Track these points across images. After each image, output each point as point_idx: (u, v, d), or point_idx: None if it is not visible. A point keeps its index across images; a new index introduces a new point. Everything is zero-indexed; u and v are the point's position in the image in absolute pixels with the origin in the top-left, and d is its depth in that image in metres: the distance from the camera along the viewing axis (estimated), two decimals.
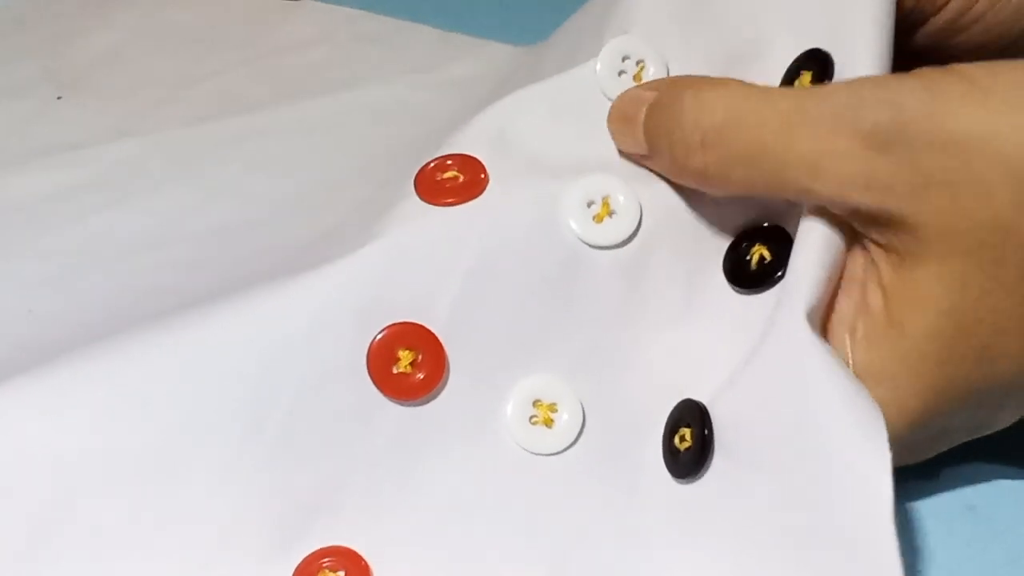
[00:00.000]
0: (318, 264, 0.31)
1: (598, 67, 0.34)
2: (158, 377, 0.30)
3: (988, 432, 0.30)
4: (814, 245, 0.28)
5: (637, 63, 0.34)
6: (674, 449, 0.30)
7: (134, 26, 0.51)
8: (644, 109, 0.31)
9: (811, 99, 0.27)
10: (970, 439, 0.31)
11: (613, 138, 0.33)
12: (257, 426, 0.30)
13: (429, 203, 0.32)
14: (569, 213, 0.31)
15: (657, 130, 0.31)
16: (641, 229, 0.31)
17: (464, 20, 0.52)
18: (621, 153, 0.33)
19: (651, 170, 0.32)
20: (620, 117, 0.33)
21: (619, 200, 0.31)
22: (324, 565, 0.30)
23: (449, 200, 0.31)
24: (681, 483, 0.29)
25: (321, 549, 0.30)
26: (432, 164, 0.33)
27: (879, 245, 0.28)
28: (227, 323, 0.30)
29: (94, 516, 0.30)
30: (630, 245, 0.31)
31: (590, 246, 0.31)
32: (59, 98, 0.47)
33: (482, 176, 0.32)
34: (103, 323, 0.35)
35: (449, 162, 0.33)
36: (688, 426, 0.29)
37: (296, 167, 0.44)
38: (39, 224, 0.42)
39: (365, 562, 0.30)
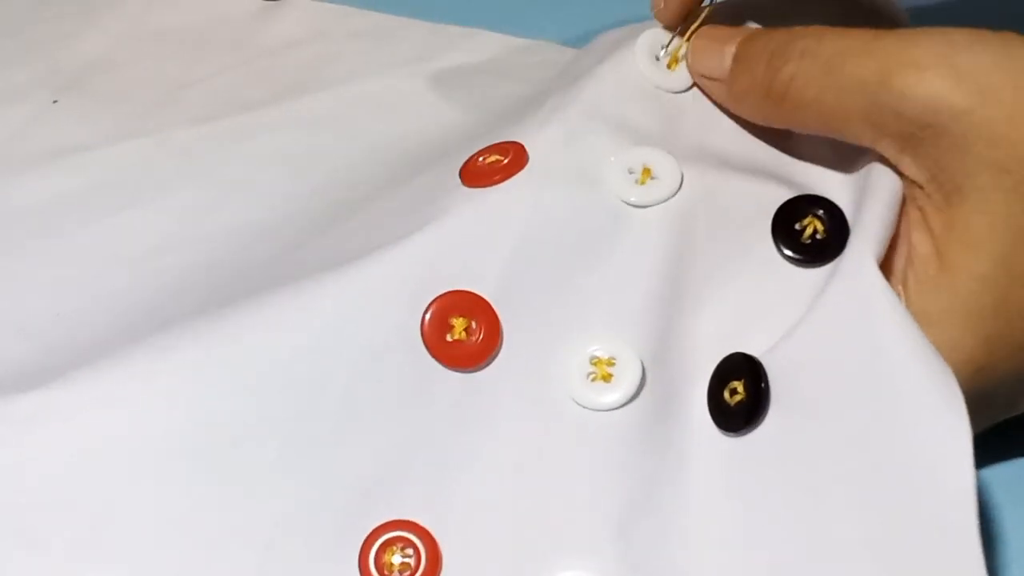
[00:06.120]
0: (370, 251, 0.31)
1: (636, 47, 0.34)
2: (217, 364, 0.30)
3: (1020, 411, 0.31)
4: (879, 199, 0.29)
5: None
6: (723, 403, 0.30)
7: (123, 31, 0.50)
8: (742, 36, 0.32)
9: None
10: (1004, 417, 0.31)
11: (692, 55, 0.33)
12: (314, 406, 0.30)
13: (475, 188, 0.32)
14: (611, 178, 0.32)
15: (766, 43, 0.31)
16: (683, 188, 0.32)
17: (452, 12, 0.52)
18: (664, 125, 0.33)
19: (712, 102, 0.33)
20: (712, 36, 0.33)
21: (660, 166, 0.32)
22: (391, 540, 0.30)
23: (496, 178, 0.32)
24: (730, 437, 0.29)
25: (385, 523, 0.30)
26: (475, 155, 0.33)
27: (923, 188, 0.29)
28: (282, 309, 0.31)
29: (153, 505, 0.29)
30: (673, 200, 0.31)
31: (633, 206, 0.31)
32: (55, 102, 0.47)
33: (524, 155, 0.32)
34: (134, 323, 0.35)
35: (490, 149, 0.33)
36: (739, 379, 0.29)
37: (305, 162, 0.44)
38: (53, 226, 0.41)
39: (431, 535, 0.30)
